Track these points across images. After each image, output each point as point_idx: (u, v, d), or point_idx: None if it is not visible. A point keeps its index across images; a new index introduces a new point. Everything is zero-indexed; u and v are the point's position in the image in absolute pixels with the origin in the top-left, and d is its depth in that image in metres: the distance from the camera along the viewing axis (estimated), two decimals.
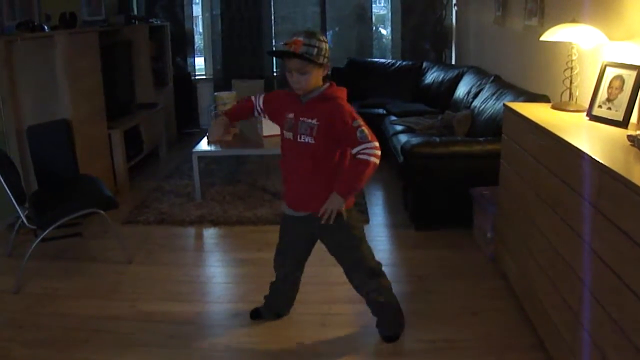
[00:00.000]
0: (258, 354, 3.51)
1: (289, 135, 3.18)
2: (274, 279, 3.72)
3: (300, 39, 2.97)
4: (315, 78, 3.07)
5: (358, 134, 3.03)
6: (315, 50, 2.98)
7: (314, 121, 3.08)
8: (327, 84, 3.15)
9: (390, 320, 3.62)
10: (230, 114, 3.53)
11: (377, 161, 3.04)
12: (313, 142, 3.09)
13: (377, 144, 3.04)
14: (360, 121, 3.07)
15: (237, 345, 3.59)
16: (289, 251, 3.56)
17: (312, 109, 3.10)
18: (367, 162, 3.01)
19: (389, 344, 3.56)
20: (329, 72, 3.17)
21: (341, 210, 3.13)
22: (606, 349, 2.56)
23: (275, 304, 3.81)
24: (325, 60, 3.05)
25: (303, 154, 3.14)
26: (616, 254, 2.46)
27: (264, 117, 3.51)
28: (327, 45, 3.06)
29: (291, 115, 3.17)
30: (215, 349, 3.57)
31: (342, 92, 3.17)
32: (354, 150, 3.05)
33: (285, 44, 3.02)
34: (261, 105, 3.42)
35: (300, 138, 3.12)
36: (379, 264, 3.50)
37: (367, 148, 3.01)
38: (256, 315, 3.82)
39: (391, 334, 3.60)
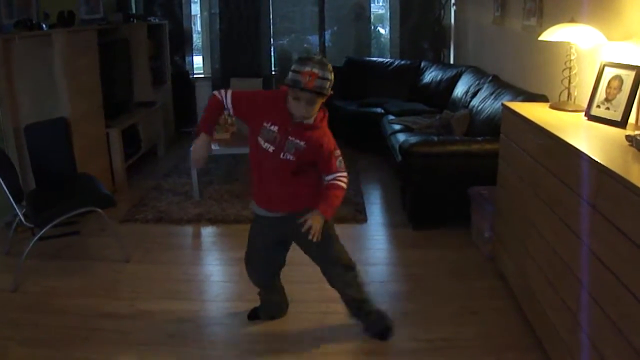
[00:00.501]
0: (256, 352, 3.52)
1: (268, 147, 3.13)
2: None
3: (316, 71, 2.91)
4: (318, 108, 3.09)
5: (337, 163, 3.21)
6: (328, 83, 2.97)
7: (302, 143, 3.11)
8: (321, 114, 3.16)
9: (372, 316, 3.62)
10: (206, 127, 3.35)
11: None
12: (294, 159, 3.13)
13: (346, 173, 3.24)
14: (339, 151, 3.22)
15: (235, 343, 3.60)
16: (258, 259, 3.58)
17: (302, 131, 3.11)
18: (343, 188, 3.21)
19: (386, 342, 3.57)
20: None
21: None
22: (604, 350, 2.56)
23: (269, 309, 3.83)
24: (330, 91, 3.04)
25: (283, 168, 3.17)
26: (614, 254, 2.46)
27: (229, 116, 3.43)
28: (333, 77, 3.03)
29: (274, 128, 3.11)
30: (214, 347, 3.58)
31: (326, 121, 3.21)
32: (330, 177, 3.20)
33: (297, 72, 2.94)
34: (229, 104, 3.25)
35: (283, 155, 3.12)
36: (353, 262, 3.53)
37: (342, 176, 3.22)
38: (254, 316, 3.82)
39: (381, 329, 3.61)
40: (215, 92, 3.28)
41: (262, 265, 3.61)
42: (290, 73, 2.98)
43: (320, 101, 3.03)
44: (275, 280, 3.73)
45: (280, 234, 3.42)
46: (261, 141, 3.15)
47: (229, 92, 3.27)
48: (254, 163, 3.28)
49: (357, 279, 3.55)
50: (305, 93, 2.95)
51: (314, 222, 3.10)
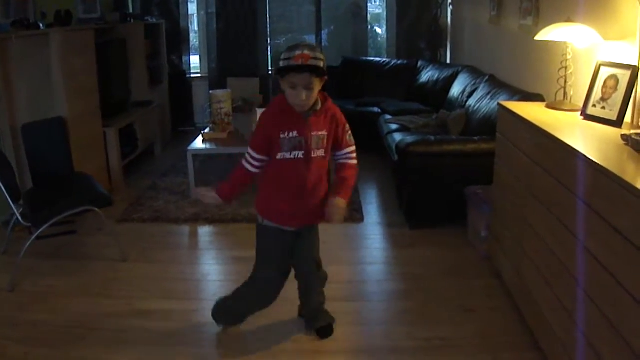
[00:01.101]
0: (254, 351, 3.52)
1: (297, 154, 3.04)
2: None
3: (307, 52, 2.86)
4: (316, 94, 3.00)
5: (348, 137, 3.22)
6: (322, 63, 2.91)
7: (324, 132, 3.09)
8: (324, 99, 3.11)
9: (321, 313, 3.65)
10: (226, 192, 3.27)
11: None
12: (324, 154, 3.11)
13: (354, 147, 3.27)
14: (347, 124, 3.23)
15: (232, 343, 3.60)
16: (278, 272, 3.43)
17: (319, 121, 3.07)
18: (355, 166, 3.25)
19: (380, 342, 3.58)
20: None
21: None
22: (601, 349, 2.57)
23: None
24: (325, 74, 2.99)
25: (317, 169, 3.12)
26: (610, 253, 2.47)
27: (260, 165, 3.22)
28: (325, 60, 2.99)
29: (293, 134, 3.01)
30: (211, 346, 3.59)
31: (330, 101, 3.16)
32: (342, 153, 3.20)
33: (288, 58, 2.88)
34: (258, 158, 3.11)
35: (314, 154, 3.07)
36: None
37: (352, 151, 3.24)
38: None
39: (325, 325, 3.63)
40: (242, 162, 3.16)
41: (282, 277, 3.45)
42: (281, 62, 2.92)
43: (317, 85, 2.95)
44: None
45: (289, 241, 3.34)
46: (286, 154, 3.05)
47: (249, 148, 3.15)
48: (278, 182, 3.17)
49: (323, 278, 3.60)
50: (302, 75, 2.88)
51: (341, 211, 3.11)
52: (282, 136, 3.01)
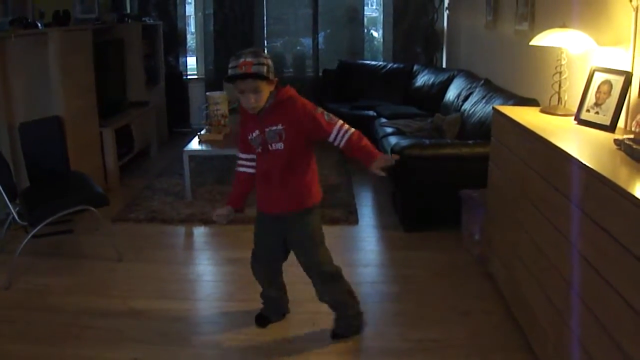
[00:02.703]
0: (247, 352, 3.54)
1: (259, 149, 3.30)
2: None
3: (249, 59, 3.06)
4: (266, 95, 3.17)
5: (325, 117, 3.27)
6: (265, 68, 3.09)
7: (280, 126, 3.21)
8: (274, 90, 3.23)
9: (347, 318, 3.66)
10: (231, 199, 3.57)
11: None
12: (283, 147, 3.23)
13: (341, 121, 3.31)
14: (320, 109, 3.31)
15: (226, 343, 3.61)
16: (265, 254, 3.62)
17: (272, 116, 3.21)
18: (357, 133, 3.30)
19: (373, 343, 3.60)
20: (276, 86, 3.25)
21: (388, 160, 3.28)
22: (593, 351, 2.59)
23: (275, 307, 3.83)
24: (272, 76, 3.15)
25: (278, 161, 3.26)
26: (602, 256, 2.49)
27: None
28: (271, 62, 3.15)
29: (256, 133, 3.26)
30: (205, 346, 3.59)
31: (292, 91, 3.29)
32: (333, 134, 3.26)
33: (234, 67, 3.08)
34: (243, 157, 3.51)
35: (271, 147, 3.24)
36: (338, 268, 3.58)
37: (342, 126, 3.27)
38: (263, 320, 3.79)
39: (341, 332, 3.65)
40: (239, 169, 3.55)
41: (267, 259, 3.62)
42: (228, 71, 3.11)
43: (265, 87, 3.13)
44: (280, 279, 3.75)
45: (280, 229, 3.46)
46: (257, 149, 3.32)
47: (238, 153, 3.54)
48: (257, 171, 3.44)
49: (340, 286, 3.59)
50: (246, 82, 3.08)
51: (385, 160, 3.25)
52: (249, 137, 3.31)
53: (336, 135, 3.25)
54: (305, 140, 3.28)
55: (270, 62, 3.13)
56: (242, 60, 3.06)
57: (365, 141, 3.31)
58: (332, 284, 3.54)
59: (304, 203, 3.38)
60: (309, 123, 3.22)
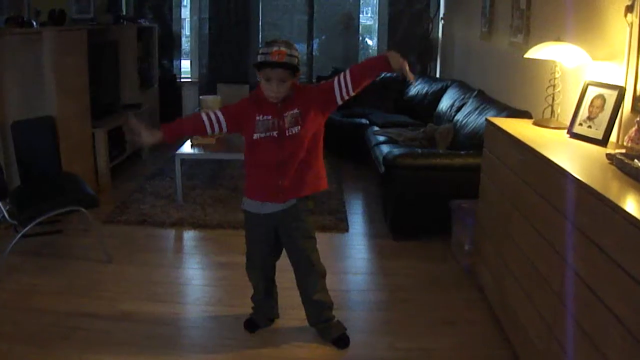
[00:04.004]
0: (235, 357, 3.53)
1: (271, 133, 3.23)
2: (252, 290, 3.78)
3: (283, 49, 3.09)
4: (289, 87, 3.20)
5: (324, 84, 3.35)
6: (296, 60, 3.15)
7: (297, 110, 3.24)
8: (294, 87, 3.28)
9: (332, 323, 3.67)
10: (169, 130, 3.40)
11: None
12: (299, 130, 3.24)
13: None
14: None
15: (214, 347, 3.61)
16: (261, 256, 3.61)
17: (290, 104, 3.24)
18: (351, 67, 3.30)
19: (361, 351, 3.60)
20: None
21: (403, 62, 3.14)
22: None
23: (266, 311, 3.83)
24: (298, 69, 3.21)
25: (292, 145, 3.26)
26: (593, 270, 2.50)
27: (220, 133, 3.47)
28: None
29: (267, 117, 3.23)
30: (193, 350, 3.59)
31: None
32: (335, 85, 3.26)
33: (266, 53, 3.10)
34: (223, 123, 3.35)
35: (289, 132, 3.23)
36: (325, 270, 3.60)
37: (338, 75, 3.28)
38: (252, 325, 3.79)
39: (339, 335, 3.65)
40: (203, 114, 3.38)
41: (264, 260, 3.62)
42: (258, 56, 3.14)
43: (290, 80, 3.17)
44: (273, 278, 3.75)
45: (273, 226, 3.46)
46: (261, 134, 3.25)
47: (218, 110, 3.39)
48: (256, 160, 3.37)
49: (325, 285, 3.62)
50: (276, 70, 3.10)
51: (400, 62, 3.12)
52: (257, 117, 3.25)
53: (339, 82, 3.24)
54: (321, 117, 3.32)
55: (299, 55, 3.19)
56: (275, 48, 3.08)
57: (363, 62, 3.37)
58: (322, 279, 3.56)
59: (320, 185, 3.45)
60: (317, 95, 3.31)
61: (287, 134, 3.23)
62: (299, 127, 3.23)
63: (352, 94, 3.26)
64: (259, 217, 3.44)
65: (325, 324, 3.66)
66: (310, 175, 3.37)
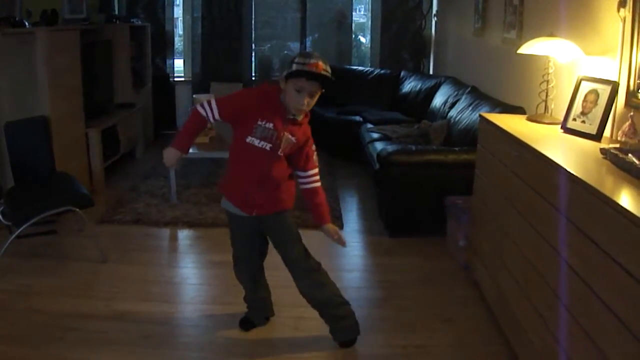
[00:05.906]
0: (230, 355, 3.53)
1: (264, 145, 3.14)
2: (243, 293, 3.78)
3: (321, 62, 3.04)
4: (313, 104, 3.17)
5: (315, 157, 3.39)
6: (330, 77, 3.07)
7: (294, 139, 3.20)
8: (306, 114, 3.27)
9: (340, 322, 3.61)
10: (180, 142, 3.28)
11: None
12: (282, 155, 3.22)
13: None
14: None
15: (209, 346, 3.60)
16: (246, 255, 3.60)
17: (294, 127, 3.20)
18: (321, 188, 3.43)
19: (357, 348, 3.59)
20: None
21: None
22: (576, 359, 2.60)
23: (261, 310, 3.82)
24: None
25: (278, 166, 3.23)
26: (587, 264, 2.51)
27: (215, 123, 3.34)
28: None
29: (270, 125, 3.12)
30: (188, 349, 3.59)
31: (307, 119, 3.33)
32: (309, 173, 3.35)
33: (303, 64, 3.02)
34: (215, 108, 3.18)
35: (280, 152, 3.19)
36: (318, 263, 3.54)
37: (317, 173, 3.40)
38: (247, 324, 3.77)
39: (346, 339, 3.61)
40: (197, 107, 3.23)
41: (250, 259, 3.60)
42: (294, 65, 3.04)
43: (317, 96, 3.11)
44: (263, 278, 3.74)
45: (257, 227, 3.46)
46: (255, 140, 3.15)
47: (213, 100, 3.21)
48: (241, 164, 3.30)
49: (322, 278, 3.54)
50: (312, 82, 3.03)
51: (336, 232, 3.41)
52: (259, 122, 3.13)
53: (310, 175, 3.36)
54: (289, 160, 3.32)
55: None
56: (314, 60, 3.02)
57: (325, 201, 3.46)
58: (316, 274, 3.51)
59: (287, 205, 3.40)
60: (309, 153, 3.32)
61: (278, 153, 3.19)
62: (282, 154, 3.20)
63: (300, 183, 3.39)
64: (240, 217, 3.40)
65: (336, 325, 3.61)
66: (284, 194, 3.35)
